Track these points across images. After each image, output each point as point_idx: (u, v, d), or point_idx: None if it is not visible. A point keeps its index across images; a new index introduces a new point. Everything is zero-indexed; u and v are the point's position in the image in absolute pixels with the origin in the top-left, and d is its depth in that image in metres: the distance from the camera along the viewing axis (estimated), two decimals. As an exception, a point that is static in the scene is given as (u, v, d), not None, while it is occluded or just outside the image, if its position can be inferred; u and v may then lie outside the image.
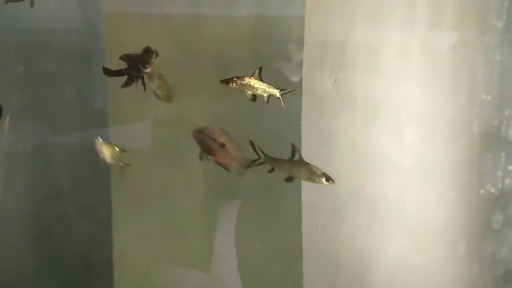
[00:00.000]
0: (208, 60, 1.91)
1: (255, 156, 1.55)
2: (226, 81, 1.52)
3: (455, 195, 1.85)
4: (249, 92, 1.52)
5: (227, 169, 1.58)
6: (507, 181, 1.88)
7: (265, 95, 1.52)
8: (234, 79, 1.52)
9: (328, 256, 1.81)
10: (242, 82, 1.52)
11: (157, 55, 1.62)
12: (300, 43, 1.81)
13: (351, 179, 1.77)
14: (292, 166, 1.51)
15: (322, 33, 1.77)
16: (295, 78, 1.83)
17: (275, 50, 1.86)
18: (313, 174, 1.49)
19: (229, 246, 1.93)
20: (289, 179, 1.52)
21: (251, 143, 1.53)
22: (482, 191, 1.87)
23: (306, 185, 1.79)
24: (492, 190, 1.87)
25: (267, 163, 1.53)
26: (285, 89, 1.54)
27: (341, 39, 1.75)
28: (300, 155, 1.51)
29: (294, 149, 1.51)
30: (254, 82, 1.52)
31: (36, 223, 2.04)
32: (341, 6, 1.77)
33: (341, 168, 1.77)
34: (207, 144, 1.55)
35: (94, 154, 1.94)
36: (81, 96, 2.09)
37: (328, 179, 1.48)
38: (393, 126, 1.76)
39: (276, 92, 1.52)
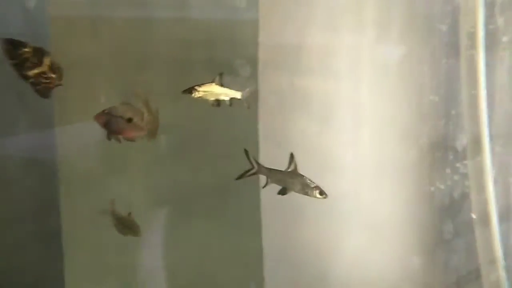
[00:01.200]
0: (161, 64, 1.92)
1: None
2: (189, 91, 1.54)
3: (407, 193, 1.95)
4: (211, 98, 1.55)
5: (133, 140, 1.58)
6: (455, 177, 2.00)
7: (227, 98, 1.55)
8: (196, 87, 1.54)
9: (289, 257, 1.86)
10: (204, 89, 1.54)
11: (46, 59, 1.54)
12: (255, 46, 1.86)
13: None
14: (285, 177, 1.53)
15: (277, 36, 1.83)
16: (250, 81, 1.88)
17: (230, 53, 1.90)
18: (306, 186, 1.53)
19: (157, 259, 1.94)
20: (283, 191, 1.54)
21: (246, 152, 1.56)
22: (432, 188, 1.98)
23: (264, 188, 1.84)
24: (442, 187, 1.99)
25: (261, 174, 1.56)
26: (247, 89, 1.57)
27: (296, 42, 1.82)
28: (296, 166, 1.53)
29: (291, 159, 1.53)
30: (215, 88, 1.54)
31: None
32: (295, 10, 1.83)
33: (299, 169, 1.83)
34: (114, 124, 1.54)
35: (39, 159, 1.92)
36: (24, 101, 2.05)
37: (322, 193, 1.52)
38: (348, 127, 1.84)
39: (238, 95, 1.56)
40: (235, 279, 1.90)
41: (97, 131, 1.93)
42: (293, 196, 1.85)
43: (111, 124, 1.54)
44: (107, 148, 1.96)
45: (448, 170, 1.99)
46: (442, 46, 1.93)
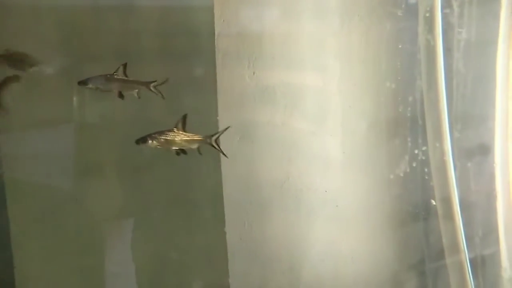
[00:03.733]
0: (110, 54, 1.88)
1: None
2: (84, 83, 1.50)
3: (369, 182, 2.02)
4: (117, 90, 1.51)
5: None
6: (414, 164, 2.08)
7: (136, 91, 1.52)
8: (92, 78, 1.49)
9: (257, 252, 1.88)
10: (103, 83, 1.49)
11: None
12: (211, 35, 1.85)
13: (275, 172, 1.86)
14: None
15: (235, 24, 1.83)
16: (207, 72, 1.87)
17: (184, 42, 1.87)
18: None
19: (125, 263, 1.92)
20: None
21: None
22: (391, 176, 2.05)
23: (228, 182, 1.85)
24: (401, 174, 2.06)
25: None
26: (155, 81, 1.53)
27: (256, 30, 1.82)
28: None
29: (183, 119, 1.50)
30: (119, 79, 1.50)
31: None
32: (254, -3, 1.84)
33: (264, 162, 1.85)
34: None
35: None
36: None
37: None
38: (312, 117, 1.88)
39: (149, 86, 1.52)
40: (200, 276, 1.89)
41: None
42: (259, 189, 1.88)
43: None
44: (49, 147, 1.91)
45: (406, 157, 2.06)
46: (397, 32, 1.99)
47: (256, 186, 1.84)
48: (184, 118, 1.50)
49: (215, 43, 1.84)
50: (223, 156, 1.75)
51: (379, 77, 2.00)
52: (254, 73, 1.81)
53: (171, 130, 1.49)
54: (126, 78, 1.51)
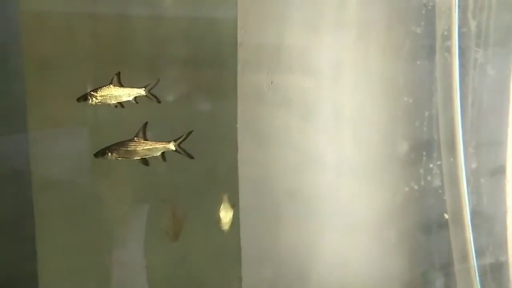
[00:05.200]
0: (139, 62, 2.00)
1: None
2: (84, 98, 1.48)
3: (383, 193, 2.09)
4: (113, 101, 1.49)
5: None
6: (428, 178, 2.15)
7: (131, 98, 1.50)
8: (92, 93, 1.47)
9: (268, 257, 1.97)
10: (102, 94, 1.48)
11: None
12: (234, 45, 1.96)
13: (288, 179, 1.95)
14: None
15: (256, 35, 1.94)
16: (229, 80, 1.98)
17: (209, 52, 2.00)
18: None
19: (137, 256, 2.01)
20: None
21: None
22: (406, 189, 2.12)
23: (243, 187, 1.95)
24: (416, 187, 2.13)
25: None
26: (149, 84, 1.52)
27: (275, 41, 1.93)
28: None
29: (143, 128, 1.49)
30: (115, 90, 1.49)
31: None
32: (274, 9, 1.95)
33: (278, 169, 1.95)
34: None
35: (13, 164, 1.97)
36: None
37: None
38: (327, 127, 1.97)
39: (141, 91, 1.51)
40: (213, 279, 1.99)
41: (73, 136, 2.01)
42: (272, 196, 1.98)
43: None
44: (81, 148, 2.03)
45: (421, 171, 2.13)
46: (417, 48, 2.08)
47: (270, 192, 1.94)
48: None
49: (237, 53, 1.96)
50: (240, 160, 1.86)
51: (397, 91, 2.08)
52: (272, 82, 1.92)
53: (132, 140, 1.47)
54: (122, 87, 1.51)
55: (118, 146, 1.46)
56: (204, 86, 1.98)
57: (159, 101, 1.52)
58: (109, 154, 1.45)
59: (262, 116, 1.94)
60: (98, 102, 1.47)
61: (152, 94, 1.51)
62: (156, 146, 1.48)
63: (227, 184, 1.97)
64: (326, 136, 1.96)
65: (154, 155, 1.49)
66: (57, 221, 1.99)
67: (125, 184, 2.03)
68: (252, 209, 1.96)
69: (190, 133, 1.52)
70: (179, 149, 1.51)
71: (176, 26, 2.02)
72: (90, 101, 1.47)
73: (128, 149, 1.46)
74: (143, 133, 1.48)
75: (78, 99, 1.48)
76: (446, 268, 2.09)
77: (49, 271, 1.99)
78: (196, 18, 2.02)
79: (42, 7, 2.01)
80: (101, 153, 1.46)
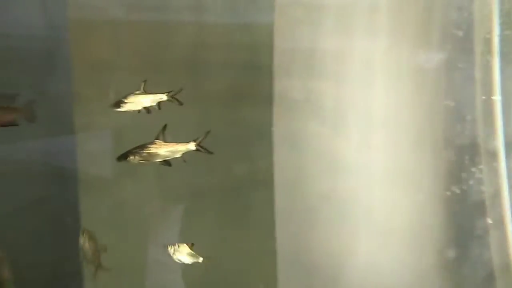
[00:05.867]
0: (178, 67, 2.08)
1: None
2: (116, 105, 1.53)
3: (422, 198, 2.08)
4: (139, 108, 1.54)
5: (16, 124, 1.58)
6: (470, 182, 2.12)
7: (154, 104, 1.55)
8: (123, 100, 1.53)
9: (302, 260, 2.00)
10: (131, 100, 1.53)
11: None
12: (270, 50, 2.01)
13: (322, 183, 1.98)
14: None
15: (290, 40, 1.98)
16: (265, 84, 2.03)
17: (246, 56, 2.05)
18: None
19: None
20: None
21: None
22: (448, 193, 2.11)
23: (278, 189, 2.00)
24: (457, 191, 2.11)
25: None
26: (172, 91, 1.57)
27: (309, 46, 1.96)
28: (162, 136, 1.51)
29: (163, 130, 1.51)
30: (141, 97, 1.53)
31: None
32: (308, 14, 1.98)
33: (312, 173, 1.98)
34: None
35: (60, 163, 2.08)
36: (45, 104, 2.20)
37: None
38: (360, 131, 1.98)
39: (164, 97, 1.56)
40: (248, 280, 2.04)
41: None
42: (306, 199, 2.01)
43: None
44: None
45: (464, 175, 2.11)
46: (457, 52, 2.06)
47: (304, 195, 1.97)
48: (164, 128, 1.51)
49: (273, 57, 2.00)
50: (275, 164, 1.91)
51: (437, 95, 2.07)
52: (304, 86, 1.95)
53: (153, 143, 1.50)
54: (148, 94, 1.56)
55: (140, 149, 1.49)
56: (241, 90, 2.04)
57: (181, 103, 1.56)
58: (131, 157, 1.49)
59: (295, 120, 1.98)
60: (127, 109, 1.53)
61: (174, 97, 1.56)
62: (177, 147, 1.51)
63: (263, 186, 2.02)
64: (359, 141, 1.98)
65: (176, 156, 1.52)
66: (101, 218, 2.10)
67: (164, 183, 2.11)
68: (287, 212, 2.00)
69: (208, 133, 1.55)
70: (200, 148, 1.54)
71: (215, 32, 2.09)
72: (120, 108, 1.53)
73: (150, 151, 1.49)
74: (163, 135, 1.52)
75: (111, 106, 1.55)
76: (486, 276, 2.06)
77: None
78: (235, 23, 2.08)
79: (89, 14, 2.13)
80: (123, 157, 1.50)
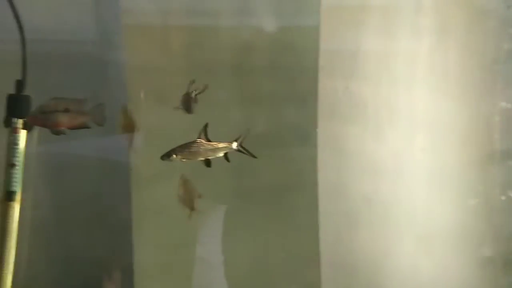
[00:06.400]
0: (226, 70, 2.13)
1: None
2: (167, 155, 1.53)
3: (474, 201, 2.04)
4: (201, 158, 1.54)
5: (88, 127, 1.60)
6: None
7: (221, 154, 1.54)
8: (177, 149, 1.51)
9: (344, 262, 2.01)
10: (189, 151, 1.52)
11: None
12: (316, 51, 2.02)
13: (364, 185, 1.98)
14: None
15: (334, 42, 1.99)
16: (310, 86, 2.04)
17: (293, 59, 2.07)
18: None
19: (216, 252, 2.09)
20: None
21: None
22: (503, 198, 2.05)
23: (322, 191, 2.01)
24: (503, 197, 2.05)
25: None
26: (240, 136, 1.55)
27: (352, 47, 1.97)
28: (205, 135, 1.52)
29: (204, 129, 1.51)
30: (203, 146, 1.52)
31: (55, 231, 2.22)
32: (352, 16, 1.99)
33: (354, 174, 1.98)
34: (51, 120, 1.54)
35: (113, 160, 2.16)
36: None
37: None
38: (404, 133, 1.97)
39: (233, 146, 1.56)
40: (292, 282, 2.06)
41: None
42: (349, 201, 2.01)
43: (48, 121, 1.55)
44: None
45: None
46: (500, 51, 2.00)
47: (347, 197, 1.98)
48: (206, 127, 1.52)
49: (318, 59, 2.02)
50: (319, 166, 1.92)
51: (493, 97, 2.02)
52: (347, 87, 1.96)
53: (195, 141, 1.52)
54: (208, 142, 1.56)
55: (182, 148, 1.52)
56: (287, 92, 2.06)
57: (254, 156, 1.55)
58: (174, 156, 1.51)
59: (338, 121, 1.98)
60: (183, 159, 1.53)
61: (244, 148, 1.55)
62: (219, 146, 1.52)
63: (307, 188, 2.04)
64: (403, 142, 1.97)
65: (217, 155, 1.54)
66: (152, 215, 2.17)
67: (210, 182, 2.16)
68: (330, 213, 2.00)
69: (248, 131, 1.56)
70: (242, 149, 1.55)
71: (262, 35, 2.12)
72: (175, 157, 1.53)
73: (192, 150, 1.52)
74: (205, 134, 1.53)
75: (162, 157, 1.55)
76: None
77: (144, 264, 2.15)
78: (281, 26, 2.10)
79: (142, 20, 2.21)
80: (166, 155, 1.53)
